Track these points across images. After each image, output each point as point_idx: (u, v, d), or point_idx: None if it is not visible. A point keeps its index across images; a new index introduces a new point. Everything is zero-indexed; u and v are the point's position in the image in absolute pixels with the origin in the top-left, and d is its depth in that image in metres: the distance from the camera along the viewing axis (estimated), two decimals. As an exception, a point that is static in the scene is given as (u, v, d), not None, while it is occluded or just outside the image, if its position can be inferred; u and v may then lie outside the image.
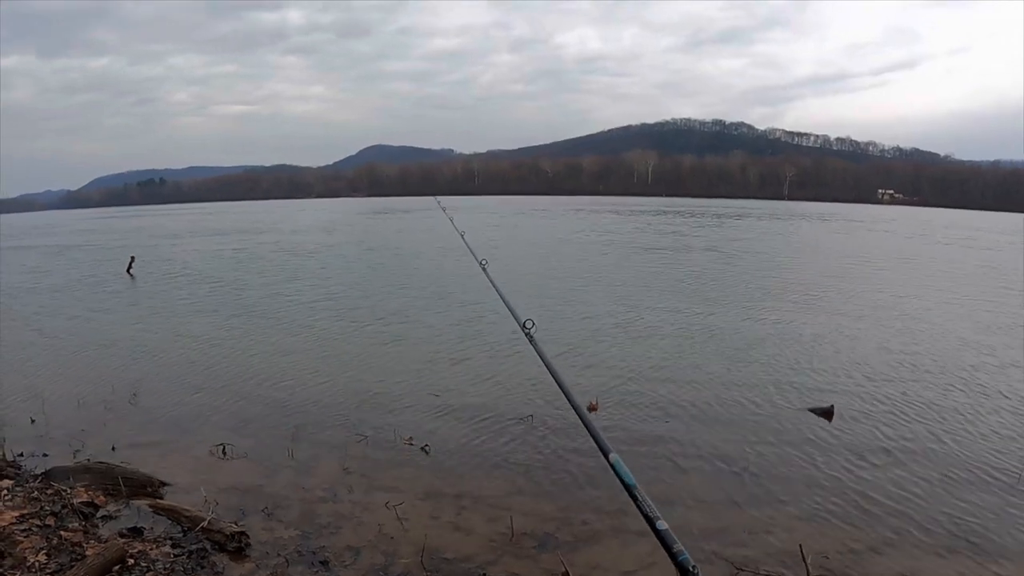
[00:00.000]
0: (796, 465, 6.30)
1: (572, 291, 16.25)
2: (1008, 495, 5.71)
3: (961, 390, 8.57)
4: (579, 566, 4.62)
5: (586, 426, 2.06)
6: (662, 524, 1.56)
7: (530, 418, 7.45)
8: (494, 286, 4.30)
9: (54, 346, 11.52)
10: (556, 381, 2.47)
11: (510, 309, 3.67)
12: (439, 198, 11.76)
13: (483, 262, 4.78)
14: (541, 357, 2.72)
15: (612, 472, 1.79)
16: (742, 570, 4.54)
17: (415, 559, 4.66)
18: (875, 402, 8.06)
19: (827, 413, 7.59)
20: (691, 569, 1.46)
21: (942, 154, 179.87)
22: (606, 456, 1.85)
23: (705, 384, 8.73)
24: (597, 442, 1.95)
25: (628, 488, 1.71)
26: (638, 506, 1.64)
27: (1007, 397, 8.31)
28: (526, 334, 2.97)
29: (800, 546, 4.50)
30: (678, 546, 1.50)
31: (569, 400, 2.30)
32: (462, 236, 6.70)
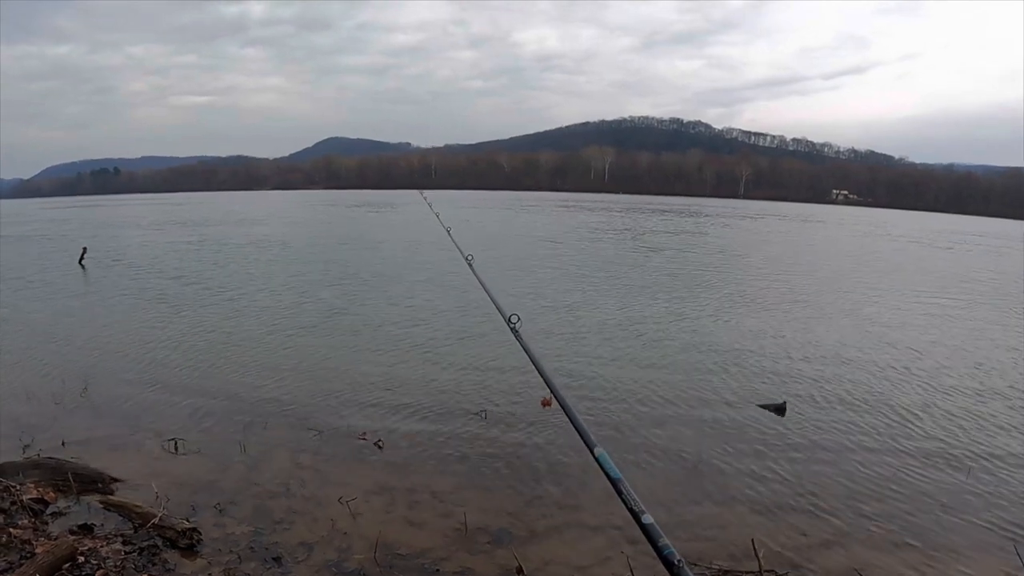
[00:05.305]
0: (749, 460, 6.41)
1: (533, 285, 16.24)
2: (957, 490, 5.90)
3: (912, 386, 8.83)
4: (533, 561, 4.63)
5: (572, 420, 2.07)
6: (648, 518, 1.56)
7: (484, 413, 7.46)
8: (479, 281, 4.25)
9: (0, 339, 11.09)
10: (542, 376, 2.47)
11: (495, 303, 3.65)
12: (424, 192, 11.62)
13: (469, 257, 4.71)
14: (527, 352, 2.73)
15: (597, 465, 1.80)
16: (696, 564, 4.58)
17: (368, 555, 4.63)
18: (827, 399, 8.25)
19: (779, 409, 7.74)
20: (676, 563, 1.46)
21: (896, 156, 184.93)
22: (591, 450, 1.86)
23: (659, 380, 8.80)
24: (583, 436, 1.95)
25: (613, 482, 1.71)
26: (623, 500, 1.64)
27: (958, 394, 8.58)
28: (511, 329, 2.96)
29: (752, 540, 4.56)
30: (663, 540, 1.50)
31: (555, 394, 2.31)
32: (448, 231, 6.63)
